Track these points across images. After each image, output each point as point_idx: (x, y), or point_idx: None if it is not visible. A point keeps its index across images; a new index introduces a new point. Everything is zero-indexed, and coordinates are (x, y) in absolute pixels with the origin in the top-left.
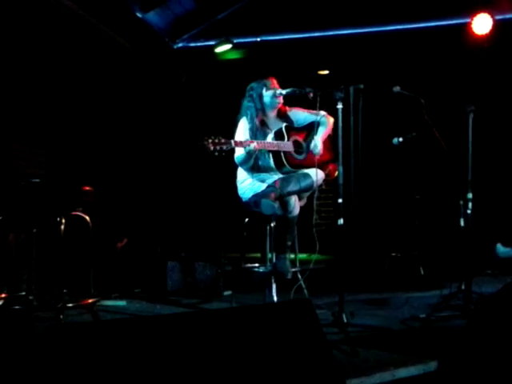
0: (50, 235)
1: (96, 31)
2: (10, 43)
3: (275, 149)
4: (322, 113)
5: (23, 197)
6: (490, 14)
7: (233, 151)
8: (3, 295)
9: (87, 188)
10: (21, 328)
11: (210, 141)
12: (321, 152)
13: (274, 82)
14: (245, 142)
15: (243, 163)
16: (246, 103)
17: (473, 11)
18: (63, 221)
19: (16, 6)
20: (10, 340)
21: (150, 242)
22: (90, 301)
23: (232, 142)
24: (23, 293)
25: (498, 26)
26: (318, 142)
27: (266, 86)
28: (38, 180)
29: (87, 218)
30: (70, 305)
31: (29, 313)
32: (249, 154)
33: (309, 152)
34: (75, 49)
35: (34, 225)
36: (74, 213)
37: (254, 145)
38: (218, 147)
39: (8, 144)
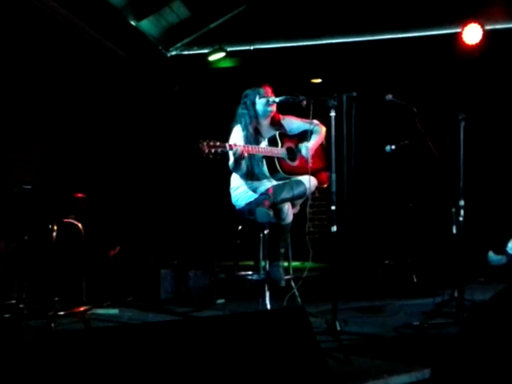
0: (42, 243)
1: (90, 39)
2: (6, 51)
3: (268, 154)
4: (315, 122)
5: (15, 204)
6: (480, 24)
7: (227, 158)
8: None
9: (80, 195)
10: (11, 337)
11: (205, 143)
12: (310, 154)
13: (269, 90)
14: (239, 145)
15: (236, 169)
16: (240, 110)
17: (463, 21)
18: (55, 228)
19: (12, 13)
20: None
21: (143, 250)
22: (82, 309)
23: (227, 145)
24: (14, 301)
25: (487, 35)
26: (308, 144)
27: (259, 93)
28: (29, 187)
29: (80, 225)
30: (62, 313)
31: (19, 321)
32: (235, 156)
33: (300, 156)
34: (70, 56)
35: (26, 232)
36: (66, 220)
37: (240, 148)
38: (212, 150)
39: (0, 151)
